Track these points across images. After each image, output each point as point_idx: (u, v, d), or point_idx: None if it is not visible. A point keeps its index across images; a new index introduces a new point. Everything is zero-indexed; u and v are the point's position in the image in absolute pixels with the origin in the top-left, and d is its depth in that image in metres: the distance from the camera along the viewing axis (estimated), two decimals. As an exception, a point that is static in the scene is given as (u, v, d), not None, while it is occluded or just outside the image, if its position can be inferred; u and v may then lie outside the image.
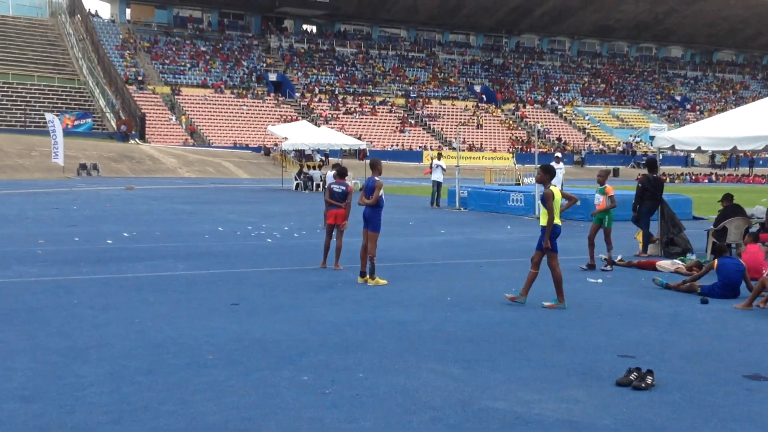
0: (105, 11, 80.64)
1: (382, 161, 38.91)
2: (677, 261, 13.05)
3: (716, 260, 10.78)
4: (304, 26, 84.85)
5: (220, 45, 76.08)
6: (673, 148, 14.44)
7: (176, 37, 75.47)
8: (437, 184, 27.14)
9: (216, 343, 7.57)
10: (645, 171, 15.73)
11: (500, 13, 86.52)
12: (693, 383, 6.63)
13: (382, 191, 11.83)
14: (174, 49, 73.23)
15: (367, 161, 48.91)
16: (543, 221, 9.78)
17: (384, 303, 9.76)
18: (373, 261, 11.40)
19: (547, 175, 9.88)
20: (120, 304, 9.39)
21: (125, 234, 16.80)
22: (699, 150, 14.19)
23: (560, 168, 22.95)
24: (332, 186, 12.83)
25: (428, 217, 23.12)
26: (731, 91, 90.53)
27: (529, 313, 9.35)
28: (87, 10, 74.45)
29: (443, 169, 27.35)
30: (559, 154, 24.87)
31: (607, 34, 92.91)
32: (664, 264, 12.77)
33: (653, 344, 7.93)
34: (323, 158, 52.20)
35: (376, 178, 11.95)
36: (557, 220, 9.82)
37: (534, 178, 9.97)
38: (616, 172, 62.28)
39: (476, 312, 9.35)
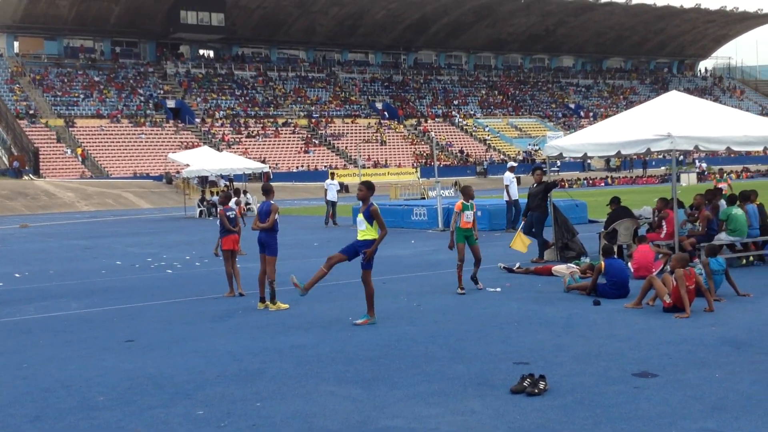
0: (-9, 45, 77.82)
1: (288, 183, 38.86)
2: (572, 265, 13.40)
3: (603, 262, 11.15)
4: (201, 51, 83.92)
5: (114, 74, 74.43)
6: (561, 156, 14.88)
7: (68, 68, 73.46)
8: (331, 204, 27.65)
9: (108, 383, 7.34)
10: (533, 177, 16.11)
11: (396, 31, 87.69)
12: (584, 385, 6.80)
13: (276, 215, 11.75)
14: (66, 80, 71.26)
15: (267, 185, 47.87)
16: (370, 235, 9.68)
17: (284, 328, 9.68)
18: (273, 285, 11.32)
19: (369, 191, 9.88)
20: (7, 349, 9.01)
21: (17, 275, 16.17)
22: (586, 157, 14.67)
23: (514, 177, 22.82)
24: (227, 213, 12.71)
25: (332, 237, 23.09)
26: (621, 97, 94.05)
27: (429, 328, 9.43)
28: (-28, 45, 71.78)
29: (338, 188, 28.06)
30: (514, 164, 24.50)
31: (501, 47, 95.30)
32: (560, 268, 13.10)
33: (547, 349, 8.12)
34: (227, 183, 51.59)
35: (272, 202, 11.87)
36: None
37: (355, 195, 9.86)
38: (519, 180, 63.67)
39: (377, 330, 9.38)
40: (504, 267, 14.14)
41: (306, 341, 8.86)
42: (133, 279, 15.08)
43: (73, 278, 15.42)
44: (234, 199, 27.04)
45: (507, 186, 22.44)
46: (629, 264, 12.99)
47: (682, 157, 70.71)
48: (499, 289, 12.09)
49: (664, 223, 13.71)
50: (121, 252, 20.61)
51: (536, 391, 6.54)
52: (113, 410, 6.48)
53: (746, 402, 6.21)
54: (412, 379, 7.14)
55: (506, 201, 22.61)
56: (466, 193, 12.60)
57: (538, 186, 15.71)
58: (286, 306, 11.19)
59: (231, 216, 12.73)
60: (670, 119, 13.01)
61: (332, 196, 27.59)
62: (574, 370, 7.29)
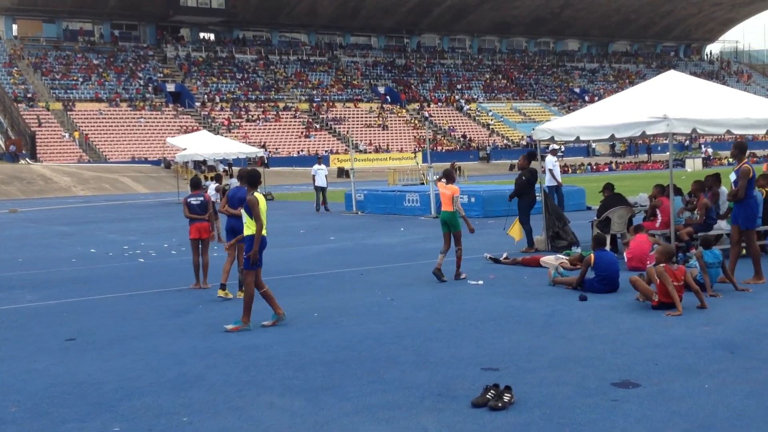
0: (-10, 28, 77.04)
1: (288, 168, 38.27)
2: (561, 256, 12.63)
3: (593, 254, 10.35)
4: (201, 34, 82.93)
5: (114, 57, 73.57)
6: (552, 139, 14.06)
7: (66, 51, 72.63)
8: (320, 189, 27.06)
9: (29, 390, 6.60)
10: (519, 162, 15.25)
11: (399, 14, 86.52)
12: (556, 397, 6.03)
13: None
14: (65, 63, 70.43)
15: (266, 169, 47.00)
16: (251, 229, 8.68)
17: (241, 325, 8.93)
18: (243, 273, 10.72)
19: (242, 180, 8.97)
20: (-64, 349, 8.30)
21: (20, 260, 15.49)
22: (578, 140, 13.85)
23: (557, 162, 21.25)
24: (189, 199, 11.96)
25: (321, 224, 22.34)
26: (627, 81, 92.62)
27: (398, 326, 8.67)
28: (-30, 28, 71.02)
29: (326, 173, 27.58)
30: (555, 147, 21.83)
31: (505, 30, 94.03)
32: (548, 259, 12.33)
33: (521, 352, 7.35)
34: (226, 168, 50.85)
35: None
36: (264, 231, 8.72)
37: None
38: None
39: (341, 328, 8.63)
40: (490, 257, 13.37)
41: (260, 341, 8.11)
42: (102, 269, 14.35)
43: (40, 267, 14.71)
44: (214, 185, 26.34)
45: (550, 170, 20.70)
46: (624, 253, 12.22)
47: (688, 142, 69.66)
48: (481, 282, 11.31)
49: (658, 212, 12.90)
50: (101, 239, 19.89)
51: (499, 404, 5.78)
52: (21, 424, 5.75)
53: (737, 420, 5.45)
54: (365, 389, 6.38)
55: (548, 186, 20.92)
56: (453, 176, 12.08)
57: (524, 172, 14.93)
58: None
59: (195, 203, 11.93)
60: (666, 101, 12.17)
61: (321, 181, 26.97)
62: (548, 378, 6.52)
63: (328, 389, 6.39)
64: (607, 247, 12.54)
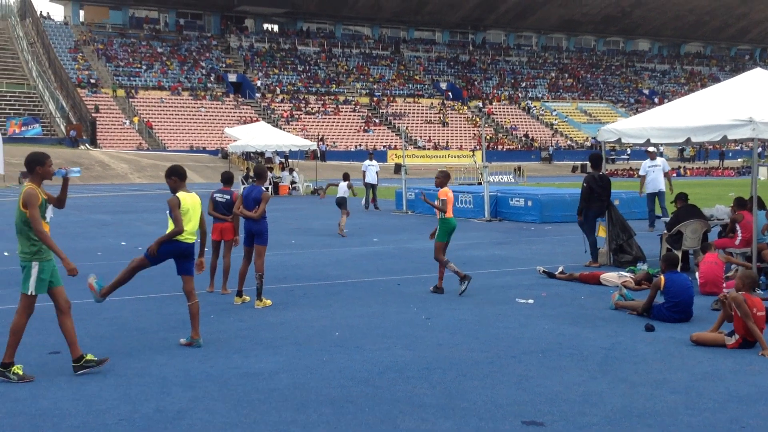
0: (58, 13, 78.08)
1: (345, 162, 37.28)
2: (624, 273, 11.21)
3: (663, 276, 8.91)
4: (265, 25, 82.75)
5: (177, 46, 73.74)
6: (620, 141, 12.61)
7: (132, 38, 73.09)
8: (370, 186, 26.10)
9: (-24, 421, 5.58)
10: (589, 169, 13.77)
11: (465, 9, 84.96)
12: (613, 470, 4.74)
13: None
14: (129, 50, 70.84)
15: (322, 162, 46.32)
16: (168, 230, 7.94)
17: (250, 344, 7.80)
18: (262, 279, 9.73)
19: (172, 177, 7.98)
20: None
21: (6, 253, 14.73)
22: (648, 143, 12.37)
23: (656, 165, 18.82)
24: (215, 195, 10.92)
25: (367, 223, 21.18)
26: (699, 84, 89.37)
27: (428, 354, 7.43)
28: (38, 13, 71.89)
29: (377, 170, 26.37)
30: (652, 149, 18.77)
31: (573, 28, 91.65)
32: (609, 276, 10.93)
33: (573, 400, 6.04)
34: (282, 160, 50.20)
35: (263, 189, 10.12)
36: (187, 237, 7.84)
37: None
38: (584, 168, 60.77)
39: (361, 354, 7.42)
40: (544, 271, 11.98)
41: (265, 367, 6.96)
42: (124, 265, 13.37)
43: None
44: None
45: (642, 176, 18.81)
46: (696, 275, 10.77)
47: (760, 148, 66.53)
48: (531, 301, 9.98)
49: (738, 228, 11.36)
50: (137, 230, 19.09)
51: (539, 480, 4.52)
52: (-56, 473, 4.71)
53: None
54: (374, 442, 5.18)
55: (648, 194, 18.90)
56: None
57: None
58: (270, 302, 9.79)
59: (220, 200, 10.89)
60: (752, 102, 10.64)
61: (371, 178, 25.84)
62: (603, 440, 5.22)
63: (328, 441, 5.20)
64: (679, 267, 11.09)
